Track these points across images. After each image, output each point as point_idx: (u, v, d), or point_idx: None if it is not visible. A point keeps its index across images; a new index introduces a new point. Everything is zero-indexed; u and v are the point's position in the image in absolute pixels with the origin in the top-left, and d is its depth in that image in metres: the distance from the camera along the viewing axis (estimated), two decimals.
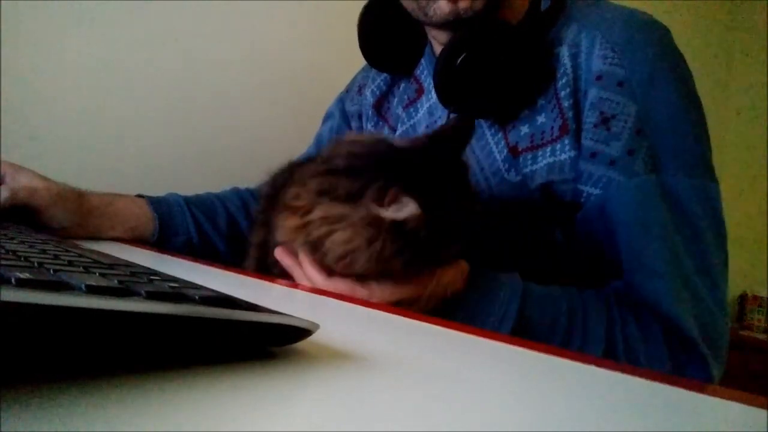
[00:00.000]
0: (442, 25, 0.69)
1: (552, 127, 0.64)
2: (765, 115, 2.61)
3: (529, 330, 0.55)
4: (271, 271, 0.62)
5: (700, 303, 0.58)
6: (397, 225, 0.48)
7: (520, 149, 0.66)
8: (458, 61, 0.63)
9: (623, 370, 0.29)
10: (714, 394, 0.27)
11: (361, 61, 0.91)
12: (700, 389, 0.28)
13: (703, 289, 0.58)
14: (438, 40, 0.75)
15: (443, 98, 0.68)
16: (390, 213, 0.48)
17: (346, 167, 0.52)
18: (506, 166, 0.68)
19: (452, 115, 0.72)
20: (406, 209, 0.48)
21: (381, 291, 0.52)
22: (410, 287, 0.52)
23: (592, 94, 0.62)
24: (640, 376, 0.29)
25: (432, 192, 0.49)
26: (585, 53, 0.63)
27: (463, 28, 0.65)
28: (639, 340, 0.56)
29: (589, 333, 0.56)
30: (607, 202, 0.60)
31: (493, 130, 0.70)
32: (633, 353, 0.56)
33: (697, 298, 0.58)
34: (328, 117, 0.93)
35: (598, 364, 0.30)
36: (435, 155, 0.53)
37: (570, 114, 0.63)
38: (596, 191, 0.61)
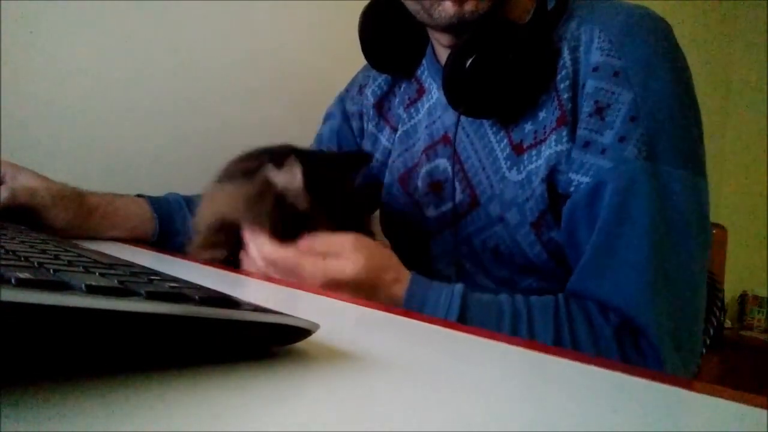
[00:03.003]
0: (446, 28, 0.69)
1: (551, 120, 0.64)
2: (765, 115, 2.61)
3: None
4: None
5: (676, 300, 0.57)
6: (280, 196, 0.57)
7: (525, 146, 0.66)
8: (468, 63, 0.63)
9: (623, 370, 0.29)
10: (714, 394, 0.27)
11: (361, 61, 0.91)
12: (700, 389, 0.28)
13: (682, 286, 0.57)
14: (441, 43, 0.74)
15: (452, 100, 0.68)
16: (282, 178, 0.56)
17: (246, 156, 0.62)
18: (508, 164, 0.68)
19: (461, 117, 0.72)
20: (296, 179, 0.57)
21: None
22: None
23: (589, 84, 0.62)
24: (640, 376, 0.29)
25: (318, 174, 0.58)
26: (584, 47, 0.63)
27: (470, 29, 0.65)
28: (588, 343, 0.56)
29: (535, 338, 0.56)
30: (596, 190, 0.59)
31: (495, 129, 0.69)
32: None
33: (673, 294, 0.57)
34: (328, 117, 0.93)
35: (598, 364, 0.30)
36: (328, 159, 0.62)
37: (569, 106, 0.63)
38: (586, 179, 0.60)
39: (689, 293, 0.58)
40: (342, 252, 0.56)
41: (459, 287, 0.58)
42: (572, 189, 0.62)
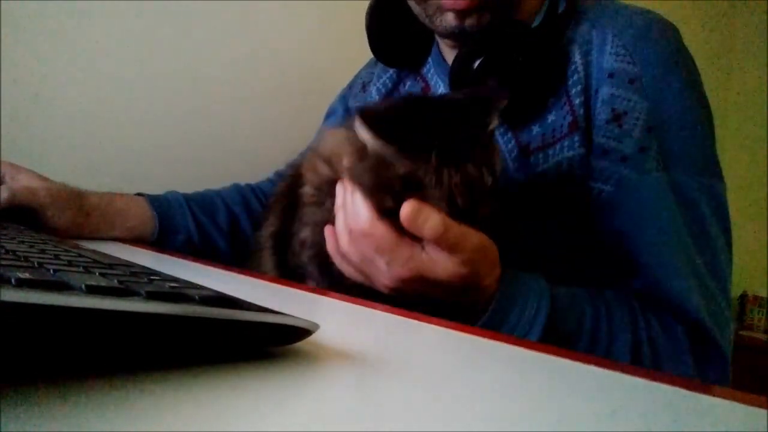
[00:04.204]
0: (447, 36, 0.69)
1: (562, 125, 0.64)
2: (765, 115, 2.61)
3: (555, 334, 0.53)
4: (291, 264, 0.61)
5: (711, 301, 0.58)
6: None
7: (531, 149, 0.66)
8: (476, 65, 0.63)
9: (623, 370, 0.29)
10: (714, 394, 0.27)
11: (361, 60, 0.91)
12: (701, 389, 0.28)
13: (713, 287, 0.58)
14: (446, 43, 0.75)
15: None
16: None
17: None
18: (515, 166, 0.68)
19: None
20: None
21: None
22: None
23: (604, 91, 0.62)
24: (640, 376, 0.29)
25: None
26: (596, 51, 0.63)
27: (473, 35, 0.65)
28: (664, 340, 0.56)
29: (615, 336, 0.55)
30: (619, 200, 0.60)
31: (502, 130, 0.69)
32: (658, 355, 0.55)
33: (708, 297, 0.58)
34: (330, 114, 0.93)
35: (598, 364, 0.30)
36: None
37: (581, 111, 0.63)
38: (608, 188, 0.61)
39: (719, 291, 0.59)
40: (458, 254, 0.48)
41: (546, 287, 0.54)
42: (593, 196, 0.62)
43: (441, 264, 0.48)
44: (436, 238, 0.47)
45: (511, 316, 0.53)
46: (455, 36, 0.67)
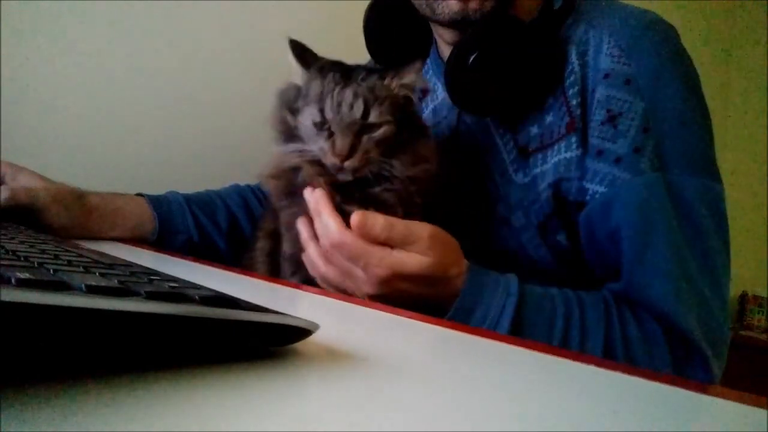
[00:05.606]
0: (448, 24, 0.68)
1: (559, 126, 0.64)
2: (765, 115, 2.61)
3: (525, 329, 0.54)
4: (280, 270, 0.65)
5: (702, 303, 0.57)
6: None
7: (530, 150, 0.66)
8: (470, 60, 0.63)
9: (623, 370, 0.29)
10: (714, 394, 0.27)
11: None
12: (700, 389, 0.28)
13: (706, 289, 0.58)
14: (444, 39, 0.74)
15: (454, 97, 0.67)
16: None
17: None
18: (515, 167, 0.68)
19: (468, 118, 0.72)
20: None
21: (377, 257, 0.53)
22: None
23: (600, 92, 0.62)
24: (640, 376, 0.29)
25: None
26: (593, 52, 0.63)
27: (474, 25, 0.65)
28: (639, 341, 0.56)
29: (588, 334, 0.55)
30: (613, 201, 0.60)
31: (501, 131, 0.69)
32: (632, 354, 0.55)
33: (700, 298, 0.57)
34: None
35: (598, 364, 0.30)
36: None
37: (578, 112, 0.62)
38: (602, 189, 0.61)
39: (712, 294, 0.59)
40: (415, 244, 0.53)
41: (514, 284, 0.56)
42: (587, 198, 0.62)
43: (409, 257, 0.53)
44: (388, 236, 0.53)
45: (479, 306, 0.54)
46: (457, 24, 0.67)
